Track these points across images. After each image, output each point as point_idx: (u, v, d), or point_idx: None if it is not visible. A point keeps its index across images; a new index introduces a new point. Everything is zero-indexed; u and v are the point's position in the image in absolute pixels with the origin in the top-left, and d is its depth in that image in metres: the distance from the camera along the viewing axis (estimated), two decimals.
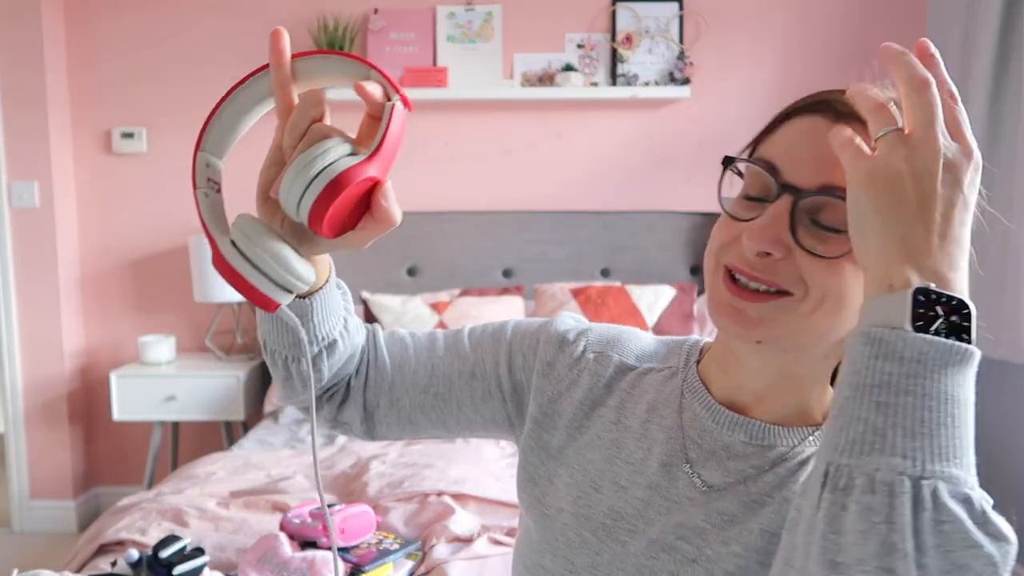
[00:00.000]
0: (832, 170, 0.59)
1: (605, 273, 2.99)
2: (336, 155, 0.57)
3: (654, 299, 2.72)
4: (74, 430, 3.07)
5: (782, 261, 0.60)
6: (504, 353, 0.82)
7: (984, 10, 2.37)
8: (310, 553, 1.48)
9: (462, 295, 2.78)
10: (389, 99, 0.60)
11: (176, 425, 3.01)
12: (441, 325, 2.61)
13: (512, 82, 2.98)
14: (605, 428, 0.76)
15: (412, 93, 2.91)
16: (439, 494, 1.86)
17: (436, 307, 2.68)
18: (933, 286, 0.50)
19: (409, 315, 2.65)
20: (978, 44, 2.38)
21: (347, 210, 0.58)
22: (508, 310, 2.70)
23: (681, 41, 2.96)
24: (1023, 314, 2.22)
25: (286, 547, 1.49)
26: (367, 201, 0.60)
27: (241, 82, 0.64)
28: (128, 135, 3.04)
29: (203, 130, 0.64)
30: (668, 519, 0.69)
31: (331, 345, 0.75)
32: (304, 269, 0.61)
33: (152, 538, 1.64)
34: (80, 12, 3.02)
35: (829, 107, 0.62)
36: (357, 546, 1.58)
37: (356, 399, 0.82)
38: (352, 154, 0.58)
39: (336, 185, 0.56)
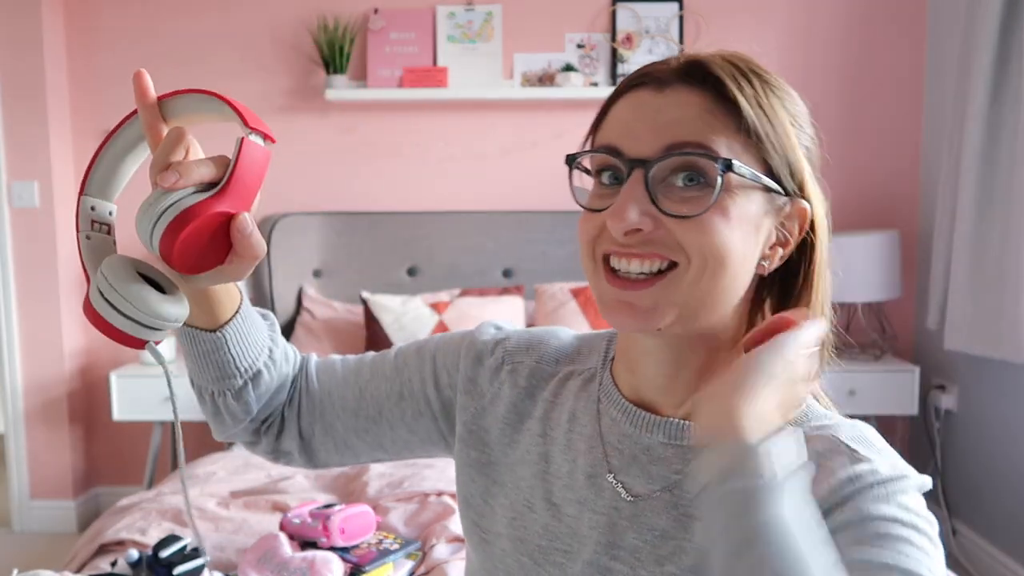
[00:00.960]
0: (671, 131, 0.60)
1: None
2: (184, 193, 0.58)
3: None
4: (74, 430, 3.07)
5: (654, 232, 0.60)
6: (429, 371, 0.80)
7: (984, 10, 2.37)
8: (310, 553, 1.48)
9: (462, 295, 2.78)
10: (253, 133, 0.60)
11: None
12: (441, 325, 2.62)
13: (512, 82, 2.97)
14: (533, 442, 0.74)
15: (412, 93, 2.91)
16: (439, 494, 1.86)
17: (436, 307, 2.68)
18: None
19: (409, 315, 2.65)
20: (978, 44, 2.38)
21: (202, 244, 0.59)
22: (508, 310, 2.70)
23: (681, 41, 2.96)
24: (1023, 314, 2.22)
25: (286, 547, 1.49)
26: (227, 234, 0.60)
27: (118, 126, 0.67)
28: None
29: (86, 175, 0.67)
30: (600, 537, 0.67)
31: (255, 376, 0.74)
32: (168, 308, 0.61)
33: (152, 538, 1.64)
34: (80, 12, 3.02)
35: (651, 78, 0.63)
36: (357, 546, 1.58)
37: (291, 428, 0.81)
38: (205, 191, 0.59)
39: (181, 221, 0.57)
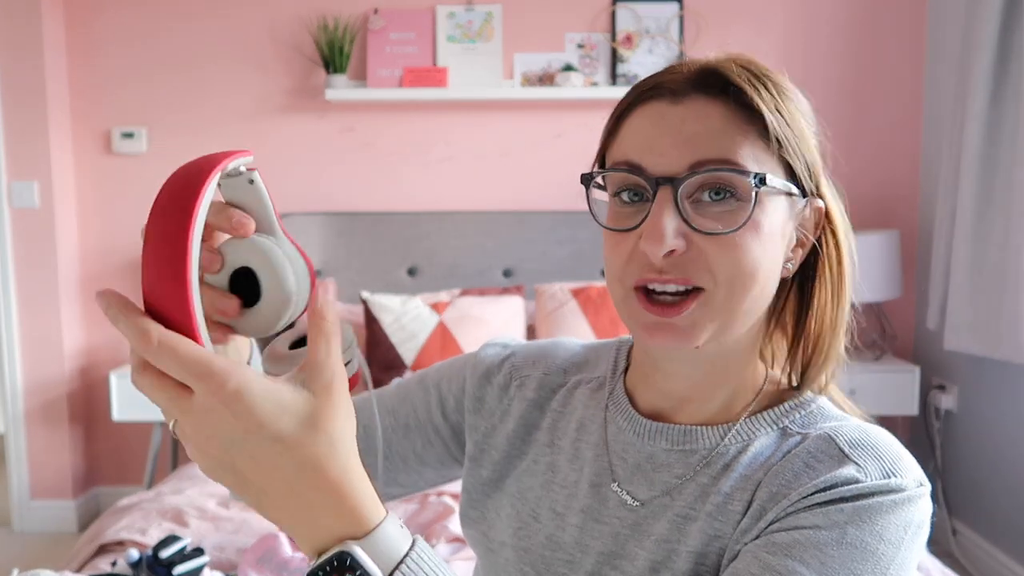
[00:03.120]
0: (696, 146, 0.59)
1: (605, 273, 2.98)
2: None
3: None
4: (74, 430, 3.07)
5: (687, 254, 0.59)
6: (435, 399, 0.79)
7: (984, 10, 2.37)
8: None
9: (462, 295, 2.78)
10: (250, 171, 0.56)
11: None
12: (441, 325, 2.61)
13: (512, 82, 2.97)
14: (540, 452, 0.74)
15: (412, 93, 2.91)
16: (439, 494, 1.86)
17: (436, 307, 2.68)
18: None
19: (409, 315, 2.65)
20: (978, 44, 2.38)
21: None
22: (508, 310, 2.70)
23: (681, 41, 2.96)
24: (1023, 314, 2.22)
25: (286, 547, 1.49)
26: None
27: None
28: (128, 135, 3.04)
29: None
30: (602, 547, 0.67)
31: None
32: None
33: (152, 538, 1.65)
34: (80, 11, 3.02)
35: (664, 89, 0.61)
36: None
37: None
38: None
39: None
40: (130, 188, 3.08)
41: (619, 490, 0.68)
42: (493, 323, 2.64)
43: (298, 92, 3.03)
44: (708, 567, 0.62)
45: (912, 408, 2.71)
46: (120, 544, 1.68)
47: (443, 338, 2.59)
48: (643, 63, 2.94)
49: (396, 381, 0.84)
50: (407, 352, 2.57)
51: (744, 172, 0.58)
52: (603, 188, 0.64)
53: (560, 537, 0.69)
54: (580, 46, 2.98)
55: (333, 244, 2.97)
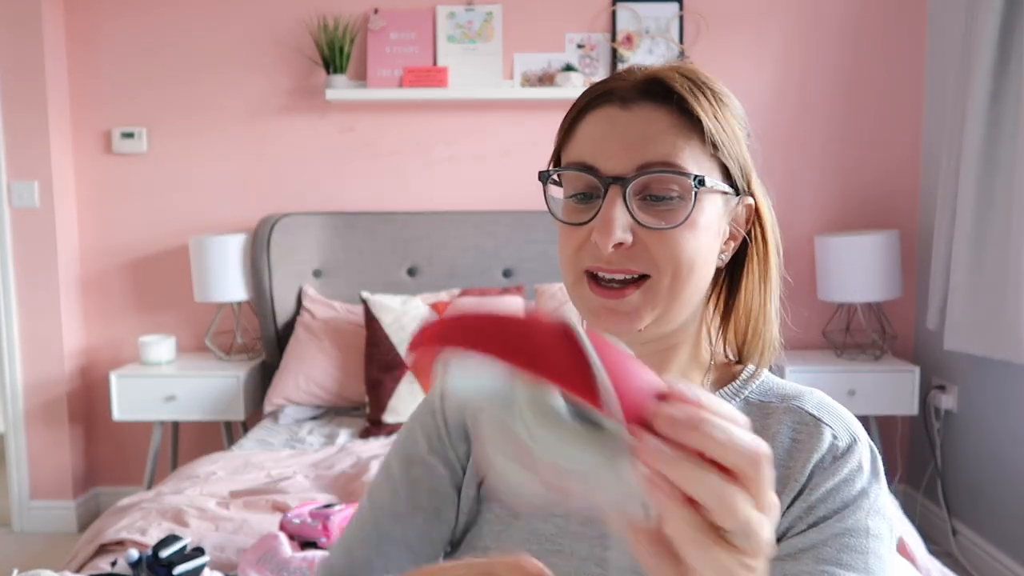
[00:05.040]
0: (643, 149, 0.65)
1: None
2: None
3: None
4: (74, 430, 3.07)
5: (633, 247, 0.66)
6: (420, 467, 0.77)
7: (984, 10, 2.37)
8: (310, 553, 1.48)
9: (462, 295, 2.78)
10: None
11: (176, 425, 3.01)
12: None
13: (512, 82, 2.97)
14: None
15: (412, 93, 2.92)
16: None
17: (436, 307, 2.68)
18: None
19: (409, 315, 2.65)
20: (978, 44, 2.38)
21: None
22: (508, 310, 2.69)
23: (681, 41, 2.96)
24: (1023, 314, 2.22)
25: (286, 547, 1.49)
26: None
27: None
28: (128, 135, 3.04)
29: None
30: (591, 531, 0.69)
31: None
32: None
33: (152, 538, 1.64)
34: (80, 12, 3.02)
35: (615, 95, 0.68)
36: None
37: None
38: None
39: None
40: (130, 188, 3.08)
41: None
42: None
43: (298, 92, 3.03)
44: None
45: (912, 408, 2.71)
46: (120, 544, 1.68)
47: None
48: (643, 63, 2.94)
49: (366, 494, 0.80)
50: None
51: (685, 174, 0.65)
52: (559, 184, 0.72)
53: (544, 529, 0.71)
54: (580, 46, 2.98)
55: (333, 244, 2.97)
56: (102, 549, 1.68)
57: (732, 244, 0.73)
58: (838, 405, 0.72)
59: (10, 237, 2.94)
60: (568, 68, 2.92)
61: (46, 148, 2.91)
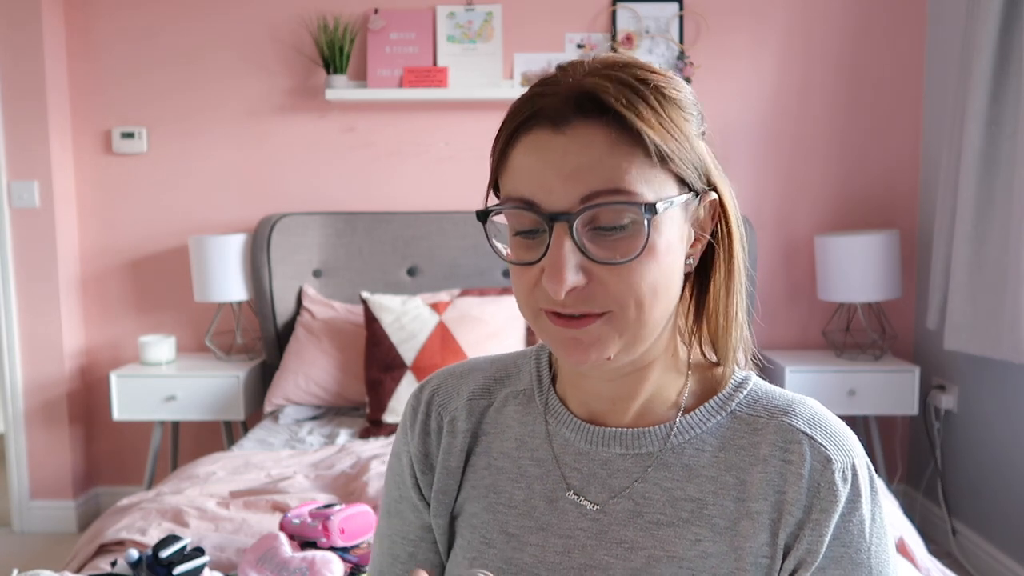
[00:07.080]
0: (584, 179, 0.58)
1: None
2: None
3: None
4: (74, 430, 3.07)
5: (588, 287, 0.60)
6: (396, 517, 0.77)
7: (984, 10, 2.37)
8: (310, 553, 1.48)
9: (462, 295, 2.78)
10: None
11: (176, 425, 3.01)
12: (441, 325, 2.61)
13: (512, 82, 2.98)
14: (479, 476, 0.72)
15: (412, 93, 2.92)
16: None
17: (436, 307, 2.68)
18: None
19: (409, 315, 2.65)
20: (978, 44, 2.38)
21: None
22: (508, 310, 2.70)
23: (681, 41, 2.96)
24: (1023, 314, 2.22)
25: (286, 547, 1.49)
26: None
27: None
28: (128, 135, 3.04)
29: None
30: (571, 561, 0.66)
31: None
32: None
33: (152, 538, 1.64)
34: (80, 12, 3.02)
35: (544, 116, 0.61)
36: (357, 546, 1.58)
37: None
38: None
39: None
40: (130, 188, 3.08)
41: (576, 498, 0.68)
42: (493, 323, 2.64)
43: (298, 92, 3.03)
44: (700, 571, 0.63)
45: (912, 408, 2.71)
46: (120, 544, 1.68)
47: (443, 338, 2.59)
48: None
49: (378, 533, 0.80)
50: (407, 352, 2.57)
51: (634, 202, 0.58)
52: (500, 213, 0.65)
53: (519, 558, 0.68)
54: (580, 46, 2.98)
55: (333, 244, 2.97)
56: (102, 549, 1.68)
57: (699, 246, 0.66)
58: (830, 417, 0.67)
59: (10, 237, 2.94)
60: None
61: (46, 148, 2.91)
